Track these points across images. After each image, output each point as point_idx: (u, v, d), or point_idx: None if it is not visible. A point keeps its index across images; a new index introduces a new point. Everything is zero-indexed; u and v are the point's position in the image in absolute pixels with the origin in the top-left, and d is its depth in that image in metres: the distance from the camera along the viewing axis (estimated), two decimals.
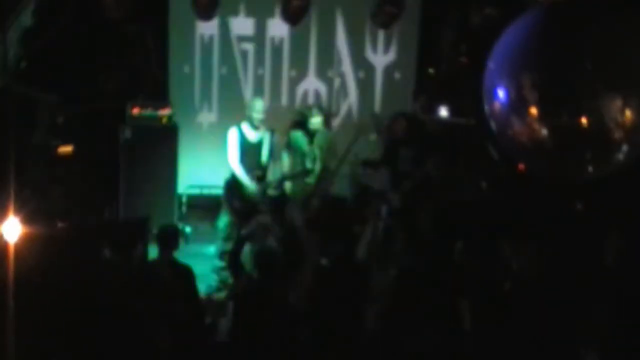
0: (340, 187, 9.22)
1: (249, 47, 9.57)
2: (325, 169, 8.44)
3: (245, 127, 8.12)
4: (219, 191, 8.98)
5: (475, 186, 9.03)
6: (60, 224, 7.56)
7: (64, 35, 8.64)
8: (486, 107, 6.24)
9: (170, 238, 6.28)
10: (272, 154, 8.27)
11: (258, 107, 8.10)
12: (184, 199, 9.12)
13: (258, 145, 8.15)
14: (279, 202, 8.53)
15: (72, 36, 8.75)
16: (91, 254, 6.30)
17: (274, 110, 9.39)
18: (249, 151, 8.10)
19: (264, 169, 8.10)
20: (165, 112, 8.92)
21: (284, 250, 7.01)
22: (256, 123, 8.08)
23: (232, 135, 8.06)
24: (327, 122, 8.77)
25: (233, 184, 8.06)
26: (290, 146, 8.48)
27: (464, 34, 9.77)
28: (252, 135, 8.11)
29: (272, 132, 8.27)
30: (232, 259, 6.47)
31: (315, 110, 8.59)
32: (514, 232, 6.67)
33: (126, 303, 5.33)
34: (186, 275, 6.15)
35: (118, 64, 9.25)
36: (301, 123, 8.61)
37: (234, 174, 8.05)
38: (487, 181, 9.01)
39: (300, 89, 9.70)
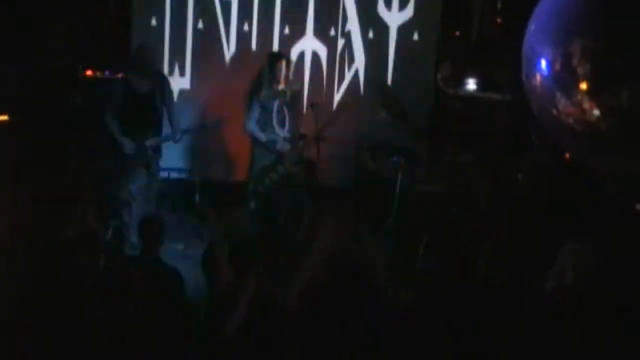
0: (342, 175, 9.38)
1: None
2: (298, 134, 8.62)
3: (133, 76, 8.27)
4: (193, 176, 9.15)
5: (511, 179, 9.11)
6: None
7: None
8: (525, 80, 6.26)
9: (155, 231, 6.27)
10: (170, 103, 8.46)
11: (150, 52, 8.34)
12: None
13: (149, 96, 8.29)
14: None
15: None
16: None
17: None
18: (137, 103, 8.22)
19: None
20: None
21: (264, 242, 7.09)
22: (148, 70, 8.30)
23: (117, 85, 8.30)
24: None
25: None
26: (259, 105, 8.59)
27: None
28: (142, 85, 8.24)
29: (164, 77, 8.44)
30: (206, 259, 6.32)
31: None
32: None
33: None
34: (174, 281, 6.14)
35: (66, 13, 9.18)
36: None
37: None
38: (525, 173, 9.04)
39: (295, 51, 9.60)
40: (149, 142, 8.23)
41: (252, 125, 8.49)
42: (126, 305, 5.52)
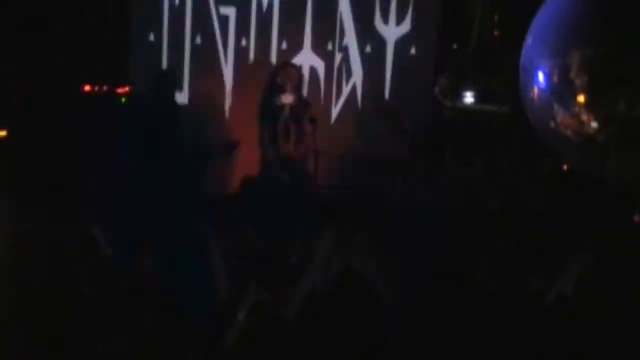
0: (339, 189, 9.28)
1: (230, 12, 9.52)
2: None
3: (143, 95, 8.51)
4: None
5: (508, 189, 9.00)
6: None
7: None
8: (523, 92, 6.29)
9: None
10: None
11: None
12: None
13: (164, 116, 8.39)
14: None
15: None
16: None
17: None
18: (153, 124, 8.26)
19: None
20: (124, 90, 8.90)
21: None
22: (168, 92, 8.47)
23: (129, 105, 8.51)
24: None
25: None
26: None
27: (498, 1, 9.85)
28: (156, 105, 8.41)
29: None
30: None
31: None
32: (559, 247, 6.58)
33: None
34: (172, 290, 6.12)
35: (67, 30, 9.16)
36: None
37: None
38: (521, 184, 8.99)
39: None
40: (164, 168, 8.21)
41: (266, 141, 8.53)
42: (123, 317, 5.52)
